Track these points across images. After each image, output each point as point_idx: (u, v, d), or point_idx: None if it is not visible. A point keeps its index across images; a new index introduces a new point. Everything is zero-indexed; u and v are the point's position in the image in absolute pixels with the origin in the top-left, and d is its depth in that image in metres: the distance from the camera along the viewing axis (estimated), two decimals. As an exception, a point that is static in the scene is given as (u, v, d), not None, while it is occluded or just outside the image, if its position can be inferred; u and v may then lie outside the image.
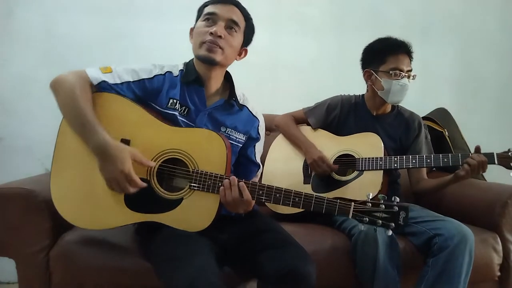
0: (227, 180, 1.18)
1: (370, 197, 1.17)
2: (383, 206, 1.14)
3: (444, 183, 1.65)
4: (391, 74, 1.65)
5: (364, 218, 1.14)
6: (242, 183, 1.18)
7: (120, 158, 1.13)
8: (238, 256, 1.26)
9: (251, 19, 1.36)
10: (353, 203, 1.16)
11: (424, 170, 1.79)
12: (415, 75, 1.68)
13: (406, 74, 1.66)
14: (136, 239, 1.35)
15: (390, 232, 1.13)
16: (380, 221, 1.13)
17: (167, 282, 1.08)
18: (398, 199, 1.15)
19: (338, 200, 1.17)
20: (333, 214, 1.18)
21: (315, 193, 1.21)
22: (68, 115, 1.20)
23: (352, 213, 1.15)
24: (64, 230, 1.34)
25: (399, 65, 1.65)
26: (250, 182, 1.20)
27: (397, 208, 1.13)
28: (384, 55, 1.68)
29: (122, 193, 1.17)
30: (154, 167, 1.21)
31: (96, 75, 1.24)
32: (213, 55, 1.26)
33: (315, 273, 1.15)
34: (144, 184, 1.17)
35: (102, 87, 1.24)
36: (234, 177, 1.18)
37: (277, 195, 1.19)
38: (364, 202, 1.15)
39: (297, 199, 1.18)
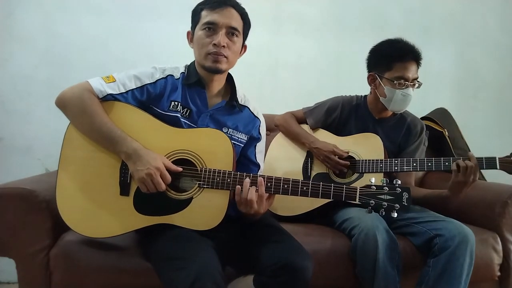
0: (247, 179, 1.19)
1: (373, 182, 1.20)
2: (387, 188, 1.18)
3: (435, 197, 1.59)
4: (396, 83, 1.61)
5: (371, 201, 1.17)
6: (260, 179, 1.19)
7: (153, 158, 1.18)
8: (236, 252, 1.27)
9: (247, 14, 1.35)
10: (358, 187, 1.19)
11: (413, 176, 1.77)
12: (421, 84, 1.64)
13: (411, 83, 1.61)
14: (136, 239, 1.35)
15: (396, 214, 1.16)
16: (386, 203, 1.16)
17: (170, 281, 1.08)
18: (399, 181, 1.18)
19: (344, 186, 1.20)
20: (341, 200, 1.21)
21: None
22: (87, 131, 1.24)
23: (359, 197, 1.18)
24: (64, 230, 1.33)
25: (405, 74, 1.60)
26: (259, 175, 1.22)
27: (399, 190, 1.17)
28: (391, 61, 1.63)
29: (154, 191, 1.18)
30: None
31: (100, 87, 1.24)
32: (219, 65, 1.28)
33: (311, 267, 1.16)
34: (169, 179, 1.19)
35: (107, 99, 1.26)
36: (261, 178, 1.19)
37: (285, 186, 1.21)
38: (368, 186, 1.19)
39: (305, 188, 1.20)
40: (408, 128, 1.76)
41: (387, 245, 1.37)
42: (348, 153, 1.67)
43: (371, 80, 1.73)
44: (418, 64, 1.65)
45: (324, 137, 1.78)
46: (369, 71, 1.74)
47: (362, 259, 1.38)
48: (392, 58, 1.63)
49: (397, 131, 1.76)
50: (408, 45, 1.65)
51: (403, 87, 1.61)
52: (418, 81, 1.65)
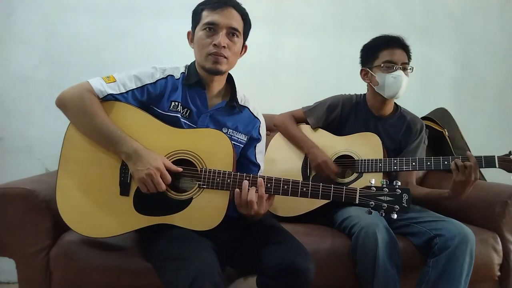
0: (246, 181, 1.19)
1: (373, 183, 1.20)
2: (387, 189, 1.17)
3: (436, 196, 1.60)
4: (383, 67, 1.64)
5: (370, 202, 1.17)
6: (260, 179, 1.19)
7: (153, 158, 1.18)
8: (238, 253, 1.27)
9: (247, 14, 1.35)
10: (358, 188, 1.19)
11: (414, 175, 1.77)
12: (412, 68, 1.67)
13: (401, 66, 1.64)
14: (136, 239, 1.35)
15: (395, 215, 1.16)
16: (386, 204, 1.16)
17: (170, 281, 1.08)
18: (399, 183, 1.18)
19: (344, 187, 1.20)
20: (340, 201, 1.20)
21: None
22: (87, 132, 1.24)
23: (359, 198, 1.18)
24: (64, 230, 1.33)
25: (392, 58, 1.64)
26: (258, 175, 1.22)
27: (399, 191, 1.17)
28: (377, 50, 1.68)
29: (154, 191, 1.18)
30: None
31: (101, 88, 1.24)
32: (219, 66, 1.28)
33: (313, 269, 1.16)
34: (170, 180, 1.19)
35: (107, 99, 1.26)
36: (261, 179, 1.19)
37: (285, 187, 1.20)
38: (368, 187, 1.19)
39: (304, 189, 1.20)
40: (408, 127, 1.76)
41: (387, 243, 1.37)
42: (337, 172, 1.68)
43: (364, 75, 1.75)
44: (406, 51, 1.68)
45: (323, 137, 1.78)
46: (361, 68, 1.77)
47: (362, 258, 1.39)
48: (378, 48, 1.68)
49: (397, 129, 1.76)
50: (392, 35, 1.69)
51: (392, 70, 1.64)
52: (409, 66, 1.67)
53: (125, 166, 1.22)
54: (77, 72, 2.13)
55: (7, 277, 2.13)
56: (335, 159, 1.72)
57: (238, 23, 1.30)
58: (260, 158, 1.45)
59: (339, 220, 1.57)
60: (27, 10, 2.16)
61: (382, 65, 1.65)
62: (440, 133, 2.14)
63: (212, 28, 1.27)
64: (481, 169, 1.60)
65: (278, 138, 1.90)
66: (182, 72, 1.36)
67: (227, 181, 1.21)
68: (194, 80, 1.33)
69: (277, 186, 1.21)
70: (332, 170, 1.67)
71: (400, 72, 1.63)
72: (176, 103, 1.31)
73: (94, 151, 1.24)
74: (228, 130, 1.35)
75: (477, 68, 2.62)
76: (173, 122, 1.29)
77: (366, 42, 1.76)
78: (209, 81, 1.34)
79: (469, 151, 2.06)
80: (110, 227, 1.23)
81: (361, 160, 1.65)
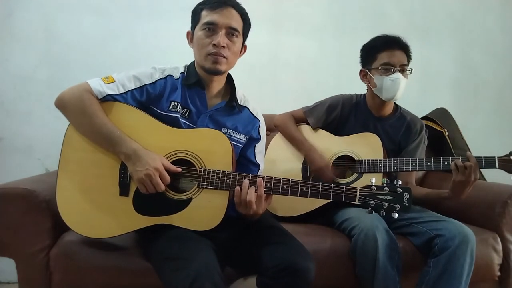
0: (246, 180, 1.19)
1: (373, 182, 1.19)
2: (387, 189, 1.17)
3: (435, 196, 1.61)
4: (381, 69, 1.64)
5: (371, 202, 1.17)
6: (259, 179, 1.19)
7: (152, 158, 1.18)
8: (238, 253, 1.27)
9: (247, 14, 1.35)
10: (358, 188, 1.18)
11: (414, 175, 1.77)
12: (412, 69, 1.66)
13: (399, 69, 1.63)
14: (136, 239, 1.35)
15: (396, 215, 1.15)
16: (386, 204, 1.16)
17: (170, 281, 1.08)
18: (400, 182, 1.18)
19: (344, 186, 1.19)
20: (340, 200, 1.20)
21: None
22: (87, 132, 1.24)
23: (359, 198, 1.18)
24: (64, 230, 1.33)
25: (390, 60, 1.63)
26: (258, 175, 1.22)
27: (400, 190, 1.16)
28: (376, 51, 1.67)
29: (153, 191, 1.18)
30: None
31: (100, 88, 1.24)
32: (219, 66, 1.28)
33: (314, 269, 1.16)
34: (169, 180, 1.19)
35: (106, 100, 1.26)
36: (261, 179, 1.19)
37: (285, 186, 1.20)
38: (368, 187, 1.18)
39: (304, 188, 1.20)
40: (408, 127, 1.76)
41: (387, 245, 1.37)
42: (334, 178, 1.67)
43: (363, 76, 1.75)
44: (405, 52, 1.66)
45: (323, 137, 1.78)
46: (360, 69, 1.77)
47: (362, 259, 1.38)
48: (377, 49, 1.67)
49: (397, 130, 1.76)
50: (391, 36, 1.67)
51: (390, 73, 1.63)
52: (408, 68, 1.65)
53: (124, 167, 1.22)
54: (77, 72, 2.14)
55: (7, 277, 2.13)
56: (335, 159, 1.72)
57: (237, 23, 1.30)
58: (259, 158, 1.45)
59: (339, 221, 1.57)
60: (27, 10, 2.16)
61: (380, 67, 1.64)
62: (440, 133, 2.14)
63: (212, 28, 1.27)
64: (481, 169, 1.60)
65: (278, 138, 1.90)
66: (182, 72, 1.35)
67: (226, 181, 1.21)
68: (193, 80, 1.33)
69: (276, 186, 1.21)
70: (329, 177, 1.65)
71: (398, 75, 1.62)
72: (176, 103, 1.31)
73: (94, 151, 1.24)
74: (227, 130, 1.35)
75: (477, 68, 2.62)
76: (173, 122, 1.29)
77: (365, 41, 1.76)
78: (209, 81, 1.34)
79: (469, 151, 2.06)
80: (110, 227, 1.23)
81: (361, 160, 1.65)
